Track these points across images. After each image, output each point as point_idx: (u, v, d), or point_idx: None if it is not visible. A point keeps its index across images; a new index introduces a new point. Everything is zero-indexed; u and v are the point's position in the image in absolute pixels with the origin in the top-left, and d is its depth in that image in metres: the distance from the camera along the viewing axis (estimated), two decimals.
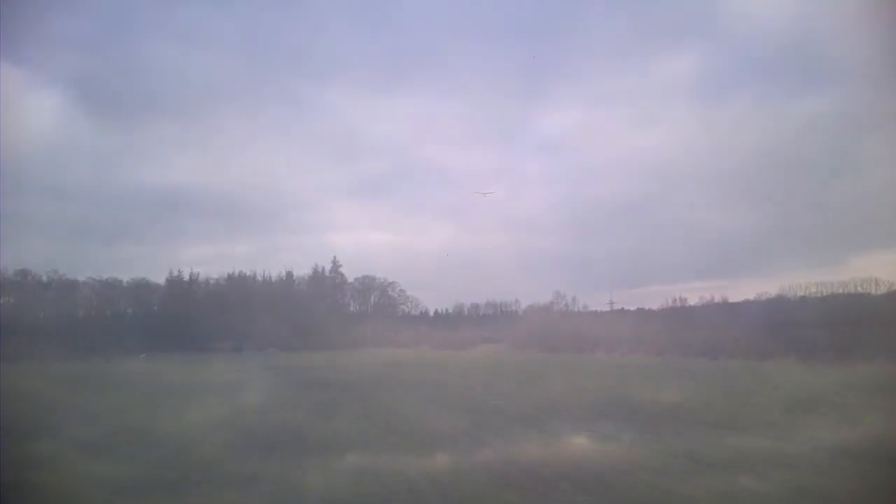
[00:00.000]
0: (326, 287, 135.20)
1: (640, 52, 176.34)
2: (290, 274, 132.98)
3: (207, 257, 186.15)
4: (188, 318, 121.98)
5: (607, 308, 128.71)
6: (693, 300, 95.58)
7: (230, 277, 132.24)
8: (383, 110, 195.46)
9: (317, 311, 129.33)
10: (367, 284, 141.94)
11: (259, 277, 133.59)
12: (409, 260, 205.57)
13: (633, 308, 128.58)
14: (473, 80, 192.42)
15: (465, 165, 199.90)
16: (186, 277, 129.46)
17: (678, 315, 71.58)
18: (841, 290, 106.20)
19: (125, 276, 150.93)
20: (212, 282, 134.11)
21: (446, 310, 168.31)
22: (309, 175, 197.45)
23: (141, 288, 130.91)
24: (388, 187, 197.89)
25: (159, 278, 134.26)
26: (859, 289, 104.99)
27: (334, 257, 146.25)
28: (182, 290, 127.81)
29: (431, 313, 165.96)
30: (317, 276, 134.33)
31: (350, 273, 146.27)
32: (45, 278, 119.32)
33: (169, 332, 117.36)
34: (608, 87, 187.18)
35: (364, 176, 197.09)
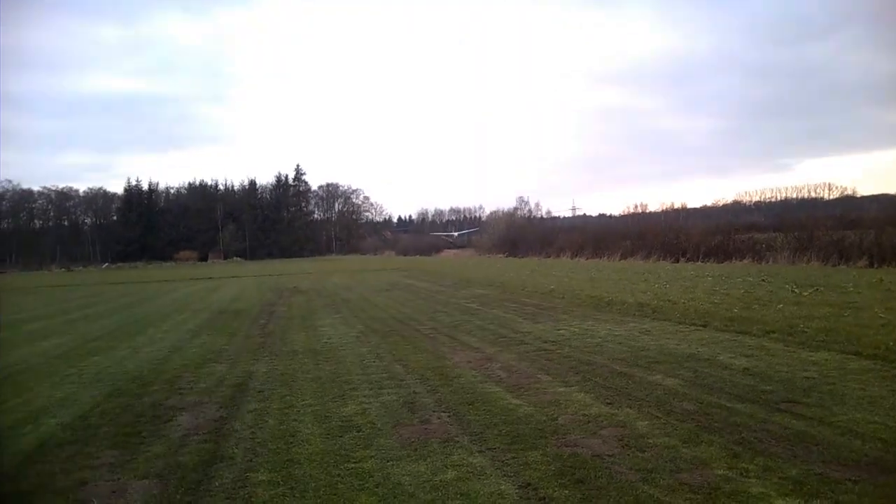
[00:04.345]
0: (290, 195, 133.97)
1: None
2: (253, 182, 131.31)
3: (165, 165, 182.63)
4: (149, 228, 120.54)
5: (570, 213, 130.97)
6: (653, 206, 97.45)
7: (191, 187, 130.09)
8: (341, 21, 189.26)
9: (281, 219, 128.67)
10: (331, 192, 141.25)
11: (221, 186, 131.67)
12: (372, 167, 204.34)
13: (594, 213, 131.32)
14: None
15: (425, 66, 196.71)
16: (145, 187, 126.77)
17: (639, 220, 73.18)
18: (795, 195, 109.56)
19: (81, 186, 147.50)
20: (172, 191, 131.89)
21: (410, 216, 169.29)
22: (267, 81, 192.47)
23: (98, 197, 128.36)
24: (349, 92, 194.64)
25: (116, 188, 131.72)
26: (812, 194, 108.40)
27: (297, 165, 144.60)
28: (141, 200, 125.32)
29: (395, 220, 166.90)
30: (280, 185, 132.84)
31: (314, 181, 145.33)
32: None
33: (129, 242, 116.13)
34: None
35: (322, 81, 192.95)
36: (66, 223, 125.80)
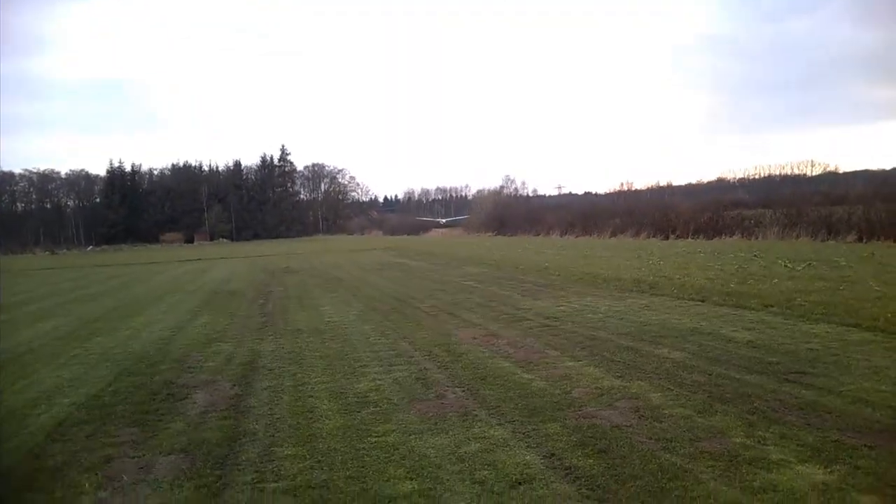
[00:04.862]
0: (275, 175, 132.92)
1: None
2: (237, 163, 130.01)
3: (148, 146, 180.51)
4: (133, 210, 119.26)
5: (556, 192, 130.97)
6: (639, 184, 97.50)
7: (174, 168, 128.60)
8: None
9: (266, 200, 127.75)
10: (316, 172, 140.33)
11: (206, 167, 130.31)
12: (358, 147, 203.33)
13: (580, 192, 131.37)
14: None
15: (409, 45, 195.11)
16: (128, 168, 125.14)
17: (627, 198, 73.32)
18: (778, 172, 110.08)
19: (63, 168, 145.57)
20: (156, 172, 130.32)
21: (396, 196, 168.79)
22: (248, 61, 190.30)
23: (80, 179, 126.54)
24: (334, 72, 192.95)
25: (99, 169, 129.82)
26: (796, 170, 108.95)
27: (282, 145, 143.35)
28: (124, 182, 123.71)
29: (381, 199, 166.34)
30: (265, 165, 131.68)
31: (299, 161, 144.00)
32: None
33: (114, 225, 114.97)
34: None
35: (307, 60, 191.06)
36: (48, 206, 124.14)
